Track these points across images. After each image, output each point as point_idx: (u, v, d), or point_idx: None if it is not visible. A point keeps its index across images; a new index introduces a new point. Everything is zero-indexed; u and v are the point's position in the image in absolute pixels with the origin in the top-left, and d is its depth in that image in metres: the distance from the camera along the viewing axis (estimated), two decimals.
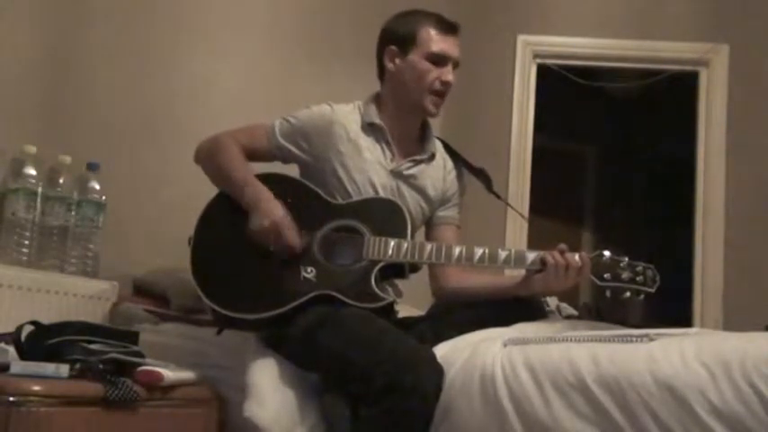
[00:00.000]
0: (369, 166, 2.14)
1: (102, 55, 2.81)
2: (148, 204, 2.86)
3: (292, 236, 2.01)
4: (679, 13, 4.09)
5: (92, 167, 2.59)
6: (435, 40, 2.14)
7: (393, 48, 2.18)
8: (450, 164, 2.30)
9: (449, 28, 2.17)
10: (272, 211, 2.01)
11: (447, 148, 2.32)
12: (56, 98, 2.68)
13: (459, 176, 2.31)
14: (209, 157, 2.18)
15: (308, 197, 2.11)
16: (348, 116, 2.19)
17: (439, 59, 2.14)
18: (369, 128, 2.18)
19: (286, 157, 2.19)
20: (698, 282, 3.93)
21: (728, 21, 4.04)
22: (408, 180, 2.19)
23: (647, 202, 5.99)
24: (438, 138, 2.30)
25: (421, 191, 2.21)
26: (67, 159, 2.52)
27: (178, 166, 2.89)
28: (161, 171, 2.92)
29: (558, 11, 4.18)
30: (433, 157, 2.25)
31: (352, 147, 2.15)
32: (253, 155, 2.16)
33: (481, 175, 2.32)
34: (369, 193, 2.13)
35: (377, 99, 2.23)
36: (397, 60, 2.17)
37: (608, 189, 6.01)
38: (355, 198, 2.12)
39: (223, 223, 2.10)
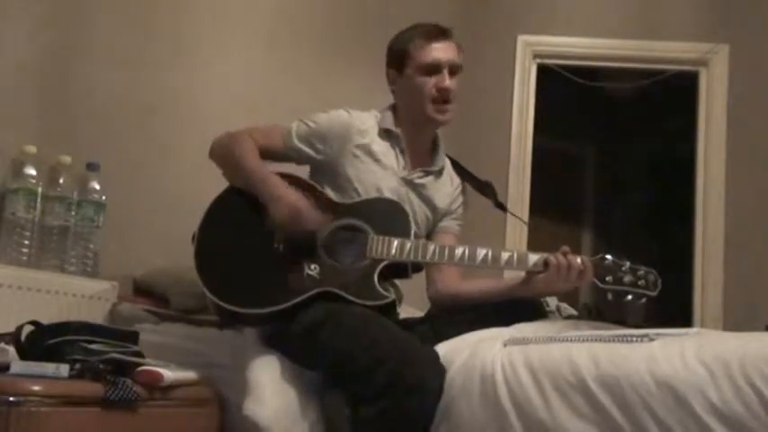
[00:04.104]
0: (380, 171, 2.16)
1: (102, 55, 2.81)
2: (148, 204, 2.86)
3: (314, 216, 2.02)
4: (679, 13, 4.09)
5: (92, 167, 2.60)
6: (425, 51, 2.16)
7: (392, 71, 2.23)
8: (456, 180, 2.33)
9: (438, 34, 2.18)
10: (289, 199, 2.03)
11: (455, 164, 2.34)
12: (56, 98, 2.68)
13: (464, 193, 2.34)
14: (225, 152, 2.18)
15: (314, 196, 2.12)
16: (365, 122, 2.21)
17: (432, 68, 2.15)
18: (384, 134, 2.21)
19: (300, 159, 2.20)
20: (698, 282, 3.93)
21: (728, 21, 4.04)
22: (417, 189, 2.21)
23: (647, 202, 5.99)
24: (447, 155, 2.32)
25: (428, 201, 2.23)
26: (67, 159, 2.52)
27: (178, 166, 2.91)
28: (161, 171, 2.93)
29: (558, 11, 4.18)
30: (441, 171, 2.27)
31: (367, 151, 2.17)
32: (266, 154, 2.17)
33: (488, 189, 2.34)
34: (375, 195, 2.14)
35: (394, 108, 2.26)
36: (397, 81, 2.21)
37: (608, 189, 6.01)
38: (361, 198, 2.13)
39: (227, 220, 2.11)
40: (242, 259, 2.04)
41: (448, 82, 2.15)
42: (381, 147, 2.19)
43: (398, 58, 2.20)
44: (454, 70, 2.18)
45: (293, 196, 2.04)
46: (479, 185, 2.35)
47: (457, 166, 2.35)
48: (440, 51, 2.16)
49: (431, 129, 2.25)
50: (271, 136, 2.19)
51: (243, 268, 2.03)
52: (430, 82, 2.15)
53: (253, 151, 2.14)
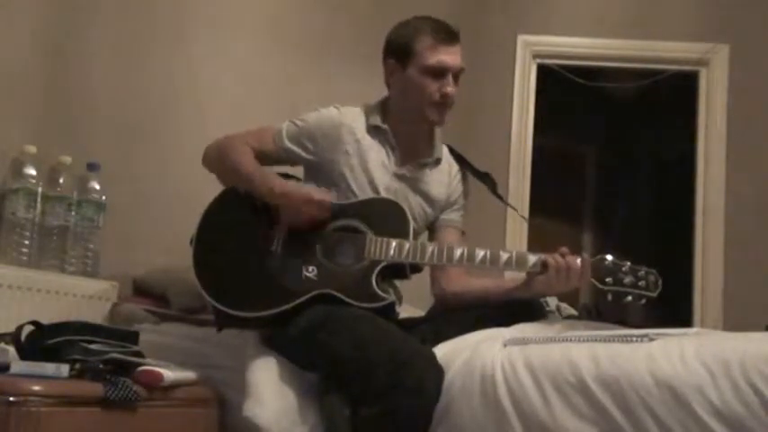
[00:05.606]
0: (373, 168, 2.15)
1: (103, 55, 2.82)
2: (148, 204, 2.86)
3: (318, 193, 2.05)
4: (679, 13, 4.09)
5: (92, 167, 2.60)
6: (432, 53, 2.10)
7: (392, 61, 2.16)
8: (455, 168, 2.29)
9: (446, 37, 2.12)
10: (297, 193, 2.04)
11: (453, 152, 2.32)
12: (56, 98, 2.68)
13: (464, 181, 2.31)
14: (218, 158, 2.18)
15: None
16: (355, 118, 2.19)
17: (437, 72, 2.10)
18: (374, 130, 2.18)
19: (293, 159, 2.19)
20: (698, 282, 3.93)
21: (728, 21, 4.04)
22: (412, 183, 2.20)
23: (647, 202, 5.99)
24: (446, 144, 2.30)
25: (425, 194, 2.21)
26: (67, 159, 2.53)
27: (178, 166, 2.91)
28: (161, 171, 2.93)
29: (558, 11, 4.18)
30: (438, 161, 2.25)
31: (358, 148, 2.15)
32: (261, 157, 2.16)
33: (486, 178, 2.32)
34: (371, 194, 2.13)
35: (384, 103, 2.23)
36: (397, 74, 2.15)
37: (608, 189, 6.01)
38: (358, 198, 2.12)
39: (225, 222, 2.11)
40: (240, 262, 2.04)
41: (451, 88, 2.12)
42: (371, 143, 2.17)
43: (401, 52, 2.13)
44: (458, 75, 2.14)
45: (297, 188, 2.06)
46: (478, 174, 2.32)
47: (455, 155, 2.31)
48: (448, 56, 2.10)
49: (424, 126, 2.22)
50: (262, 139, 2.18)
51: (241, 271, 2.03)
52: (434, 86, 2.10)
53: (249, 154, 2.13)
